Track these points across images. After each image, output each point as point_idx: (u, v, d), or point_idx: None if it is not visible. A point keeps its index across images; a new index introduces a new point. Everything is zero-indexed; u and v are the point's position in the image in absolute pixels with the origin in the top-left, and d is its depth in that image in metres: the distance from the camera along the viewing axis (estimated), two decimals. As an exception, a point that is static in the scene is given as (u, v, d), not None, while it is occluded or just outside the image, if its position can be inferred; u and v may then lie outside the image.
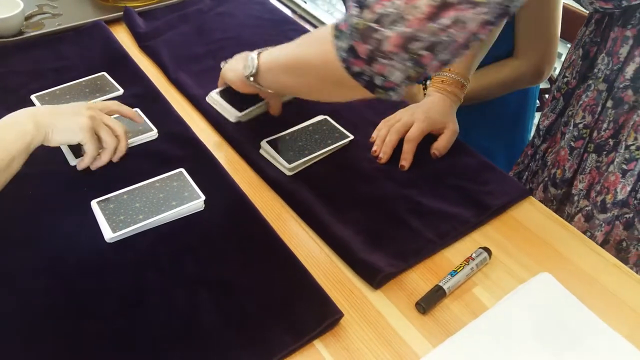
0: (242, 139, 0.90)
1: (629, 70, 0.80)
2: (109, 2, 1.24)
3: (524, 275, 0.72)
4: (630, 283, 0.72)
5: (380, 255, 0.72)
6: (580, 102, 0.90)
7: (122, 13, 1.20)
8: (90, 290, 0.67)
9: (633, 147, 0.82)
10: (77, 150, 0.83)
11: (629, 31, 0.80)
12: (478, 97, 1.15)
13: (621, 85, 0.82)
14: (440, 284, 0.69)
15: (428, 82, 1.17)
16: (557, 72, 1.06)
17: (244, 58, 0.84)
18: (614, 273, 0.73)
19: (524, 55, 1.15)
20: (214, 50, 1.11)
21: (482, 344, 0.64)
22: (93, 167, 0.82)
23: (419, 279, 0.71)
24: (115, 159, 0.83)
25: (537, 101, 1.30)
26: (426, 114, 0.91)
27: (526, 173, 1.07)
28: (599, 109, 0.86)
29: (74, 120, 0.76)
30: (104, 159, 0.82)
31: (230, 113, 0.92)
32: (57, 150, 0.86)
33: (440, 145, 0.89)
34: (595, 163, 0.87)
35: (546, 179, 0.99)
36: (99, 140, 0.80)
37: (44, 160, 0.83)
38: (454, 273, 0.70)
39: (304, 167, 0.86)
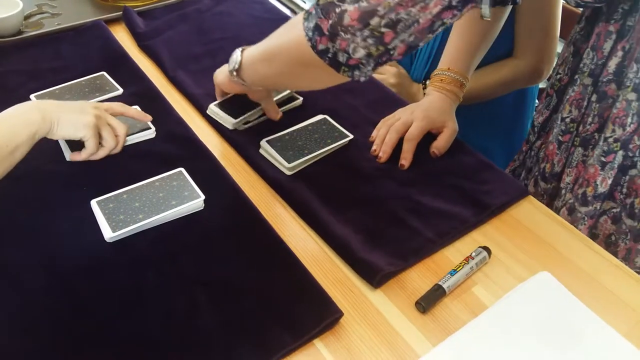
0: (241, 138, 0.91)
1: (612, 65, 0.81)
2: (108, 2, 1.24)
3: (523, 274, 0.72)
4: (629, 282, 0.72)
5: (380, 255, 0.72)
6: (567, 96, 0.90)
7: (121, 13, 1.20)
8: (90, 289, 0.67)
9: (611, 140, 0.82)
10: (74, 145, 0.84)
11: (612, 26, 0.81)
12: (477, 97, 1.15)
13: (605, 80, 0.82)
14: (440, 283, 0.69)
15: (427, 82, 1.18)
16: (556, 71, 1.07)
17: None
18: (613, 272, 0.73)
19: (524, 55, 1.15)
20: (213, 49, 1.11)
21: (482, 343, 0.64)
22: (82, 159, 0.83)
23: (418, 278, 0.72)
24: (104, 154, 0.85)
25: (537, 101, 1.31)
26: (425, 112, 0.91)
27: (522, 170, 1.07)
28: (585, 103, 0.87)
29: (80, 117, 0.78)
30: (99, 155, 0.83)
31: (226, 121, 0.92)
32: (58, 150, 0.86)
33: (439, 145, 0.89)
34: (582, 157, 0.88)
35: (537, 173, 1.00)
36: (99, 137, 0.82)
37: (44, 160, 0.83)
38: (453, 272, 0.70)
39: (303, 166, 0.86)
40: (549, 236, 0.77)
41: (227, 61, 0.85)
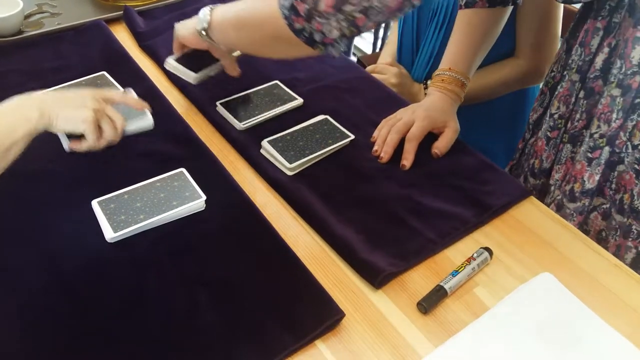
0: (243, 138, 0.90)
1: (599, 61, 0.81)
2: (109, 2, 1.23)
3: (525, 275, 0.72)
4: (631, 283, 0.72)
5: (382, 255, 0.72)
6: (556, 92, 0.91)
7: (121, 12, 1.19)
8: (91, 290, 0.67)
9: (596, 136, 0.83)
10: (74, 136, 0.82)
11: (599, 22, 0.81)
12: (478, 97, 1.15)
13: (592, 76, 0.83)
14: (442, 283, 0.69)
15: (428, 82, 1.18)
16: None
17: (197, 16, 0.87)
18: (615, 273, 0.73)
19: (525, 55, 1.15)
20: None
21: (484, 344, 0.64)
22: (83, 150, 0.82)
23: (420, 279, 0.72)
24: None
25: (537, 100, 1.31)
26: (427, 112, 0.91)
27: (518, 168, 1.08)
28: (573, 99, 0.87)
29: (79, 113, 0.77)
30: (99, 146, 0.82)
31: (187, 75, 0.95)
32: (59, 150, 0.86)
33: (441, 145, 0.89)
34: (570, 154, 0.88)
35: (526, 169, 1.00)
36: (99, 129, 0.81)
37: (46, 161, 0.83)
38: (455, 273, 0.70)
39: (304, 166, 0.86)
40: (551, 237, 0.77)
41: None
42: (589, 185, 0.85)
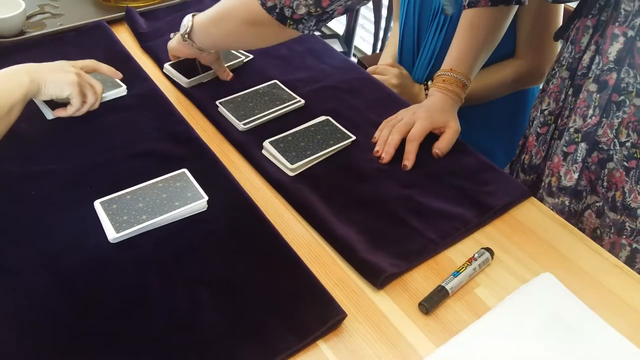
0: (244, 139, 0.91)
1: (586, 58, 0.82)
2: (111, 3, 1.24)
3: (526, 276, 0.72)
4: (632, 283, 0.72)
5: (383, 256, 0.73)
6: (547, 89, 0.91)
7: (123, 13, 1.20)
8: (94, 290, 0.67)
9: (572, 130, 0.83)
10: (53, 105, 0.90)
11: (589, 21, 0.82)
12: (479, 98, 1.15)
13: (579, 73, 0.83)
14: (443, 284, 0.69)
15: (429, 83, 1.18)
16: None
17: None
18: (615, 273, 0.73)
19: (525, 55, 1.15)
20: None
21: (485, 344, 0.64)
22: (67, 115, 0.90)
23: (421, 279, 0.72)
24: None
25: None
26: (428, 113, 0.91)
27: (516, 164, 1.08)
28: (562, 96, 0.88)
29: (64, 77, 0.85)
30: (82, 111, 0.90)
31: (181, 81, 1.02)
32: (59, 150, 0.86)
33: (442, 145, 0.89)
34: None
35: (518, 165, 1.00)
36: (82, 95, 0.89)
37: (48, 161, 0.84)
38: (456, 273, 0.70)
39: (306, 167, 0.86)
40: (552, 237, 0.78)
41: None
42: (566, 182, 0.85)
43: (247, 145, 0.90)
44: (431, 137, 0.90)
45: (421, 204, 0.81)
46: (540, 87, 1.00)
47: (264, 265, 0.71)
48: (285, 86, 1.01)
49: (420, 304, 0.68)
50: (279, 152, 0.86)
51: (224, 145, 0.92)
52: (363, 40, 2.73)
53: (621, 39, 0.76)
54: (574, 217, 0.89)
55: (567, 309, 0.68)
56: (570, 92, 0.86)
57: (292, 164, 0.84)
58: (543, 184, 0.91)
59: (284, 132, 0.90)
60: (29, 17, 1.16)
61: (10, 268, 0.69)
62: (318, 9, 0.74)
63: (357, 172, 0.86)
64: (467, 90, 0.97)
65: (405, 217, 0.78)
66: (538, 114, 0.94)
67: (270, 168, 0.86)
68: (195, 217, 0.77)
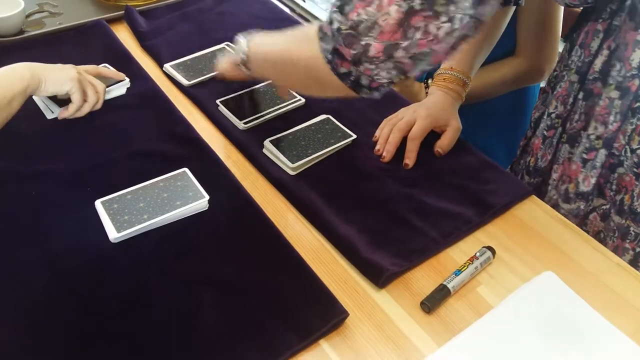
0: (245, 138, 0.91)
1: (598, 63, 0.82)
2: (110, 1, 1.23)
3: (527, 274, 0.72)
4: (634, 282, 0.72)
5: (384, 255, 0.72)
6: (555, 92, 0.91)
7: (123, 12, 1.19)
8: (95, 290, 0.67)
9: (593, 137, 0.83)
10: (59, 102, 0.91)
11: (599, 25, 0.82)
12: (479, 96, 1.15)
13: (591, 77, 0.83)
14: (445, 283, 0.69)
15: (429, 81, 1.18)
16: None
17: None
18: (618, 272, 0.73)
19: (525, 54, 1.15)
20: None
21: (487, 343, 0.64)
22: (70, 116, 0.90)
23: (423, 278, 0.72)
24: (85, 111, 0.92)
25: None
26: (428, 111, 0.91)
27: (518, 165, 1.08)
28: (571, 99, 0.88)
29: (64, 73, 0.87)
30: (84, 111, 0.90)
31: (181, 80, 1.02)
32: (60, 150, 0.86)
33: (443, 144, 0.89)
34: (568, 154, 0.89)
35: (522, 168, 1.00)
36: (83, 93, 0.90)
37: (48, 161, 0.83)
38: (458, 272, 0.70)
39: (307, 166, 0.86)
40: (553, 236, 0.77)
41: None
42: (584, 187, 0.85)
43: (248, 145, 0.89)
44: (432, 136, 0.90)
45: (422, 202, 0.81)
46: (541, 86, 1.00)
47: (265, 265, 0.71)
48: (286, 85, 1.01)
49: (422, 303, 0.68)
50: (279, 151, 0.86)
51: (225, 144, 0.91)
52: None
53: None
54: (578, 219, 0.89)
55: (569, 307, 0.68)
56: (580, 95, 0.85)
57: (293, 163, 0.84)
58: (557, 190, 0.91)
59: (285, 131, 0.90)
60: (28, 16, 1.15)
61: (11, 268, 0.69)
62: (401, 76, 0.64)
63: (358, 171, 0.86)
64: (467, 89, 0.97)
65: (407, 216, 0.78)
66: (545, 117, 0.94)
67: (271, 167, 0.85)
68: (196, 217, 0.77)
